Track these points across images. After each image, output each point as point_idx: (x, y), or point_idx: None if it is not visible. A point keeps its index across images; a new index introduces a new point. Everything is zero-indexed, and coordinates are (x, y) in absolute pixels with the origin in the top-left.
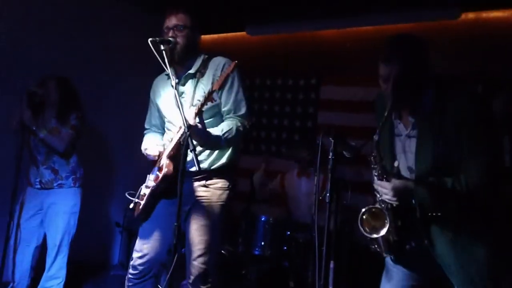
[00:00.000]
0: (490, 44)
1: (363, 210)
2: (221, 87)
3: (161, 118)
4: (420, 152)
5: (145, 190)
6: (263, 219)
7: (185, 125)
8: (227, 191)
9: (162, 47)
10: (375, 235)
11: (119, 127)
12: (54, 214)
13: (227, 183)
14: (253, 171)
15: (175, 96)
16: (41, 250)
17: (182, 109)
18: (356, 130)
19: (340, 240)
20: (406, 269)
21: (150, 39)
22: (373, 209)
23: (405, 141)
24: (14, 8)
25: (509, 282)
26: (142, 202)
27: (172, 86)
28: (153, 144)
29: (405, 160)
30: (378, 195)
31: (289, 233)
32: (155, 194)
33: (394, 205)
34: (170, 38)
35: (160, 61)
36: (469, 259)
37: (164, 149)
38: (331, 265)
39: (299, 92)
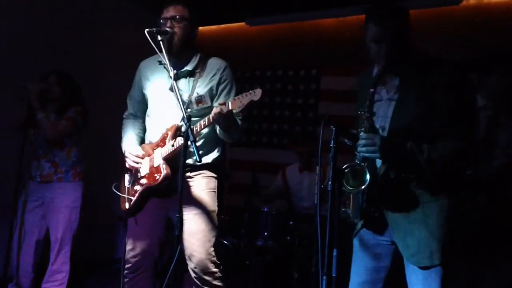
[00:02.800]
0: (492, 29)
1: (346, 165)
2: (221, 92)
3: (144, 101)
4: (398, 111)
5: (137, 187)
6: (265, 210)
7: (185, 117)
8: (214, 180)
9: (159, 38)
10: (355, 189)
11: (121, 121)
12: (54, 209)
13: (212, 174)
14: (255, 163)
15: (174, 89)
16: (46, 245)
17: (182, 102)
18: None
19: (343, 227)
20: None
21: (146, 29)
22: (357, 166)
23: (384, 105)
24: (15, 7)
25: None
26: (133, 198)
27: (171, 77)
28: (132, 155)
29: (382, 123)
30: (358, 152)
31: (291, 223)
32: (149, 192)
33: (375, 156)
34: (167, 29)
35: (158, 51)
36: (421, 225)
37: (154, 145)
38: (334, 253)
39: (300, 83)
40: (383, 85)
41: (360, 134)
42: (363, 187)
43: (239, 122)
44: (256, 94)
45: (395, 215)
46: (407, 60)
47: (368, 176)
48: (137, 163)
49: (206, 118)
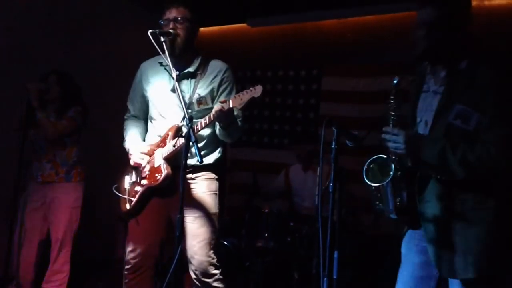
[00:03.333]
0: (493, 31)
1: (370, 159)
2: (222, 93)
3: (145, 103)
4: (442, 105)
5: (137, 187)
6: (266, 211)
7: (187, 118)
8: (216, 182)
9: (162, 39)
10: (377, 184)
11: (123, 123)
12: (56, 209)
13: (214, 175)
14: (255, 163)
15: (176, 89)
16: (46, 245)
17: (184, 104)
18: (358, 121)
19: (344, 229)
20: (415, 252)
21: (150, 30)
22: (380, 159)
23: (430, 97)
24: (16, 8)
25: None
26: (134, 199)
27: (173, 78)
28: (137, 151)
29: (426, 116)
30: (387, 145)
31: (292, 224)
32: (150, 192)
33: (401, 153)
34: (170, 30)
35: (160, 52)
36: (460, 235)
37: (155, 146)
38: (335, 255)
39: (301, 84)
40: (432, 75)
41: (385, 128)
42: (386, 181)
43: (240, 123)
44: (256, 91)
45: (431, 217)
46: (456, 52)
47: (392, 170)
48: (143, 159)
49: (206, 117)
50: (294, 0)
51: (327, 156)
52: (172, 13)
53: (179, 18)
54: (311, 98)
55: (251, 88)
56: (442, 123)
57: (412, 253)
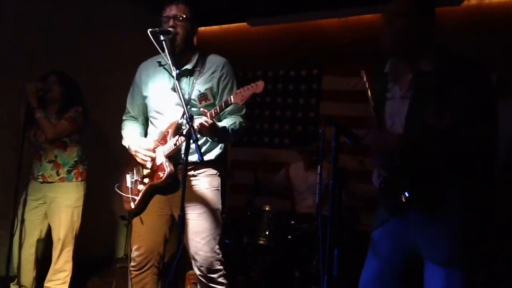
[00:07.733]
0: (492, 30)
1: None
2: (223, 90)
3: (144, 104)
4: (413, 106)
5: (140, 186)
6: (267, 209)
7: (187, 117)
8: (218, 178)
9: (161, 38)
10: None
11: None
12: (57, 208)
13: (215, 171)
14: (256, 163)
15: (176, 88)
16: (48, 244)
17: (184, 103)
18: (358, 120)
19: (344, 227)
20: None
21: (149, 29)
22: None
23: (399, 103)
24: (15, 8)
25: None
26: (138, 198)
27: (173, 76)
28: (142, 148)
29: (397, 120)
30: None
31: (293, 222)
32: (153, 190)
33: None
34: (170, 29)
35: (160, 51)
36: (439, 222)
37: (155, 145)
38: (335, 253)
39: (301, 83)
40: (396, 82)
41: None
42: None
43: (241, 123)
44: (258, 86)
45: (417, 204)
46: (424, 53)
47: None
48: (148, 157)
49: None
50: (294, 0)
51: (328, 155)
52: (172, 11)
53: (178, 16)
54: (311, 97)
55: (252, 84)
56: (416, 122)
57: (387, 239)
